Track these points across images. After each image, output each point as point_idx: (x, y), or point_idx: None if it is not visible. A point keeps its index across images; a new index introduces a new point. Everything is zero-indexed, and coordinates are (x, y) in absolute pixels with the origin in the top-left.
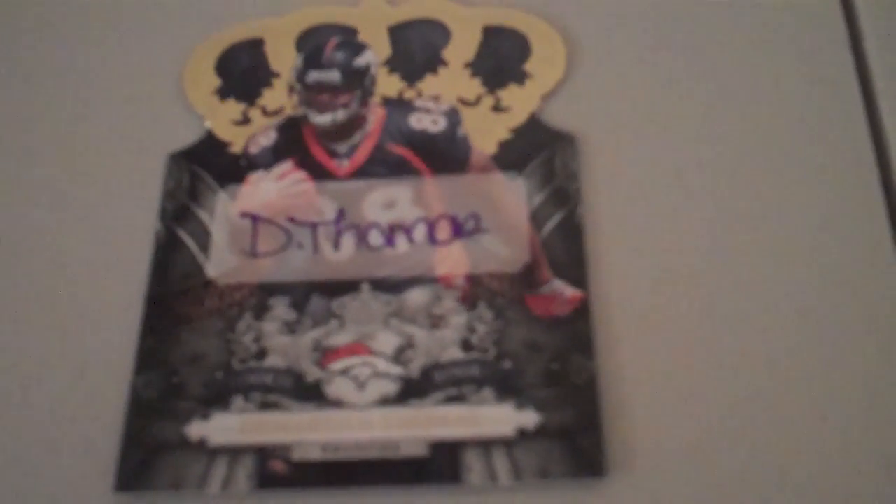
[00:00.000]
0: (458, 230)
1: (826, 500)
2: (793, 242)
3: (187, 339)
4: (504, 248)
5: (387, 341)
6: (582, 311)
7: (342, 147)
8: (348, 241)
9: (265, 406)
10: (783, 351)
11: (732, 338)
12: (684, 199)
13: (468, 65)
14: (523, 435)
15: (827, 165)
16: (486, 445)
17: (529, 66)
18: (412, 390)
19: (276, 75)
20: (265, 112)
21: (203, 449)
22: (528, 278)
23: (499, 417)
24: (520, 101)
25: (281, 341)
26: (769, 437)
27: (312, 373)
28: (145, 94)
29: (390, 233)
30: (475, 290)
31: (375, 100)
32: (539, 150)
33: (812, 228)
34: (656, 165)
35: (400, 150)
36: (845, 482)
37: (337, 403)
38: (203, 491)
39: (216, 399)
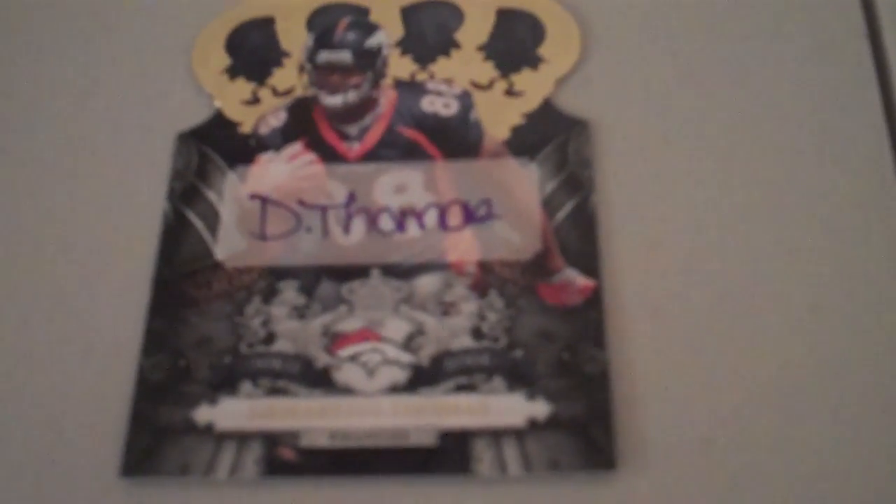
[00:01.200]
0: (470, 216)
1: (837, 494)
2: (807, 234)
3: (195, 322)
4: (516, 235)
5: (397, 328)
6: (594, 301)
7: (353, 129)
8: (358, 226)
9: (273, 392)
10: (796, 344)
11: (745, 329)
12: (698, 188)
13: (481, 48)
14: (534, 425)
15: (843, 156)
16: (496, 435)
17: (543, 51)
18: (422, 378)
19: (287, 55)
20: (275, 92)
21: (210, 434)
22: (539, 266)
23: (509, 407)
24: (533, 86)
25: (290, 326)
26: (780, 430)
27: (321, 359)
28: (154, 73)
29: (401, 217)
30: (486, 278)
31: (387, 81)
32: (552, 135)
33: (827, 220)
34: (670, 153)
35: (411, 134)
36: (856, 476)
37: (346, 390)
38: (210, 476)
39: (224, 383)
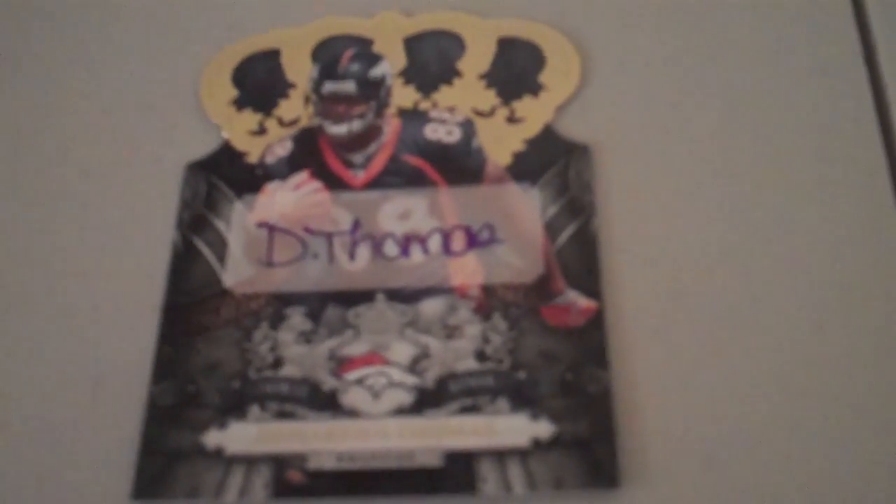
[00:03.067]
0: (473, 241)
1: None
2: (807, 253)
3: (204, 348)
4: (518, 259)
5: (402, 351)
6: (596, 322)
7: (358, 157)
8: (363, 252)
9: (281, 415)
10: (798, 361)
11: (747, 348)
12: (698, 210)
13: (483, 76)
14: (538, 445)
15: (841, 175)
16: (500, 456)
17: (544, 78)
18: (427, 400)
19: (293, 86)
20: (281, 122)
21: (220, 458)
22: (542, 289)
23: (513, 427)
24: (534, 113)
25: (297, 351)
26: (784, 447)
27: (328, 382)
28: (162, 105)
29: (405, 243)
30: (490, 301)
31: (391, 111)
32: (553, 161)
33: (827, 239)
34: (670, 176)
35: (415, 161)
36: (860, 493)
37: (352, 413)
38: (219, 500)
39: (233, 408)
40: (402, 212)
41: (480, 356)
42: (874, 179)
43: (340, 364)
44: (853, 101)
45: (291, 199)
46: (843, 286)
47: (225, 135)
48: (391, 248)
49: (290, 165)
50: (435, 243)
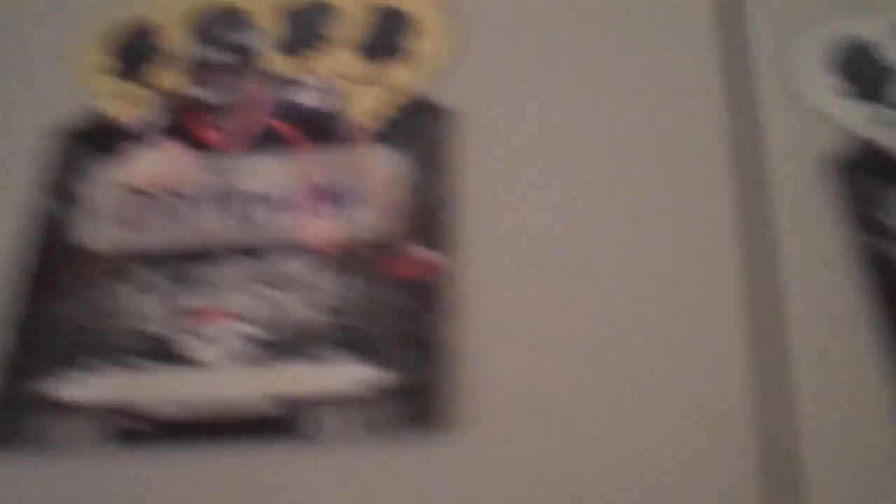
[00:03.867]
0: (333, 201)
1: (671, 458)
2: (653, 221)
3: (56, 304)
4: (374, 217)
5: (249, 305)
6: (441, 276)
7: (227, 123)
8: (226, 213)
9: (124, 366)
10: (633, 320)
11: (587, 306)
12: (557, 176)
13: (356, 44)
14: (377, 393)
15: (688, 153)
16: (339, 404)
17: (417, 45)
18: (269, 351)
19: (165, 53)
20: (152, 88)
21: (61, 408)
22: (394, 245)
23: (355, 376)
24: (405, 80)
25: (149, 306)
26: (617, 399)
27: (173, 335)
28: (31, 69)
29: (267, 204)
30: (343, 257)
31: (262, 78)
32: (421, 126)
33: (669, 211)
34: (535, 146)
35: (283, 127)
36: (690, 443)
37: (193, 363)
38: (61, 449)
39: (76, 360)
40: (267, 174)
41: (327, 309)
42: (713, 157)
43: (187, 317)
44: (703, 89)
45: (158, 163)
46: (685, 250)
47: (94, 99)
48: (254, 210)
49: (160, 130)
50: (296, 204)
